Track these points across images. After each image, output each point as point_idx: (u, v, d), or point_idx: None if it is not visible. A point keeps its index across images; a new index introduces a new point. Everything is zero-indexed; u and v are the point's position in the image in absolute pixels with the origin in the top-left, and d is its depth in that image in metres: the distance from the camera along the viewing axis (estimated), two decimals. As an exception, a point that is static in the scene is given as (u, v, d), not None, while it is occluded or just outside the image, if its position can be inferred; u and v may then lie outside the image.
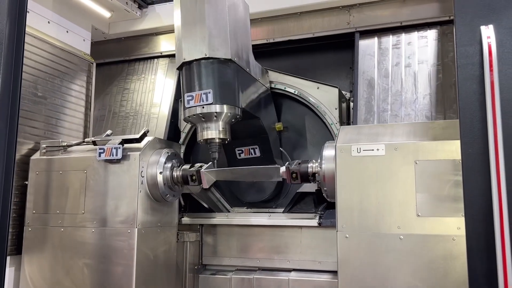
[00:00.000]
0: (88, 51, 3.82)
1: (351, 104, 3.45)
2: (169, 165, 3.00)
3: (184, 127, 3.67)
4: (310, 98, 3.42)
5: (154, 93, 3.99)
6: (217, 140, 2.86)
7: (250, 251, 3.42)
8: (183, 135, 3.74)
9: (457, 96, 1.98)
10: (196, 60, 2.78)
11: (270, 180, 3.12)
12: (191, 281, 3.41)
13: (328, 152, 2.64)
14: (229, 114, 2.81)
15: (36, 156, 3.15)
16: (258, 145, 3.33)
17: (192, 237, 3.43)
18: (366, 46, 3.50)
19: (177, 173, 3.02)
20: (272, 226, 3.31)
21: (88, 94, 3.77)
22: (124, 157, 2.89)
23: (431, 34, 3.40)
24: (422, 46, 3.39)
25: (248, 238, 3.42)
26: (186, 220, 3.51)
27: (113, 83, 4.21)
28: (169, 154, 3.03)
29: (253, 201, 3.46)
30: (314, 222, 3.15)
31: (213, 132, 2.85)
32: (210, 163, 2.95)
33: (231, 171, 3.06)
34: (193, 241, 3.45)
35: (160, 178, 2.94)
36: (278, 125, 3.48)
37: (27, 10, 2.81)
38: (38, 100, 3.29)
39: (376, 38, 3.53)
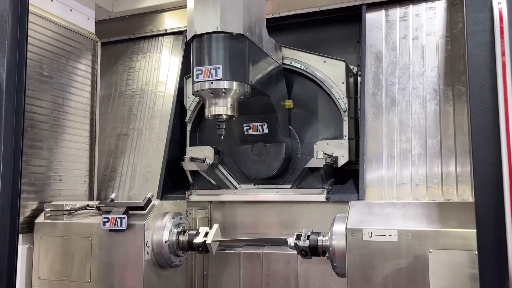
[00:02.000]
0: (92, 29, 3.86)
1: (359, 78, 3.43)
2: (174, 230, 3.00)
3: (190, 104, 3.71)
4: (317, 73, 3.40)
5: (160, 71, 4.03)
6: (224, 117, 2.85)
7: (259, 227, 3.46)
8: (189, 113, 3.77)
9: (466, 64, 1.93)
10: (207, 33, 2.77)
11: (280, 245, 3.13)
12: (201, 257, 3.45)
13: (338, 227, 2.55)
14: (238, 91, 2.80)
15: (41, 219, 3.15)
16: (267, 122, 3.33)
17: (201, 213, 3.45)
18: (373, 19, 3.49)
19: (183, 238, 3.00)
20: (280, 202, 3.35)
21: (93, 73, 3.85)
22: (129, 226, 2.88)
23: (439, 5, 3.36)
24: (430, 18, 3.37)
25: (256, 214, 3.46)
26: (194, 197, 3.58)
27: (119, 62, 4.27)
28: (174, 218, 3.04)
29: (260, 177, 3.45)
30: (322, 197, 3.19)
31: (221, 108, 2.85)
32: (216, 226, 2.96)
33: (236, 241, 3.17)
34: (202, 217, 3.48)
35: (165, 247, 2.95)
36: (288, 103, 3.46)
37: None
38: (44, 79, 3.35)
39: (383, 11, 3.51)
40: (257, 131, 3.41)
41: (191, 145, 3.77)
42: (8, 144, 2.37)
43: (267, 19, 3.54)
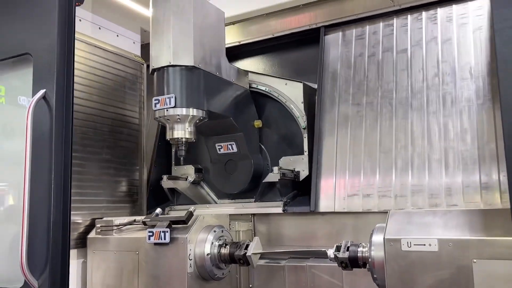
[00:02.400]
0: (138, 52, 4.20)
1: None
2: (216, 243, 3.11)
3: None
4: (280, 94, 3.86)
5: None
6: (183, 140, 3.22)
7: (305, 239, 3.64)
8: None
9: (495, 62, 1.99)
10: (162, 67, 3.17)
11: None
12: (246, 269, 3.64)
13: (377, 238, 2.54)
14: (191, 116, 3.17)
15: (92, 234, 3.42)
16: (235, 141, 3.71)
17: (244, 226, 3.70)
18: (331, 40, 3.88)
19: (224, 251, 3.12)
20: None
21: (140, 94, 4.19)
22: (172, 239, 3.05)
23: (398, 22, 3.68)
24: (387, 35, 3.66)
25: (301, 226, 3.71)
26: (173, 213, 3.96)
27: None
28: (216, 231, 3.15)
29: (232, 192, 3.83)
30: (279, 210, 3.60)
31: (179, 132, 3.23)
32: (256, 238, 3.13)
33: (276, 253, 3.29)
34: (245, 230, 3.71)
35: (208, 261, 3.09)
36: (257, 122, 3.84)
37: (80, 19, 3.37)
38: (93, 102, 3.72)
39: (340, 32, 3.85)
40: (227, 149, 3.81)
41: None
42: (59, 165, 2.55)
43: (234, 47, 4.15)
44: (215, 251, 3.08)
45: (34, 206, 2.45)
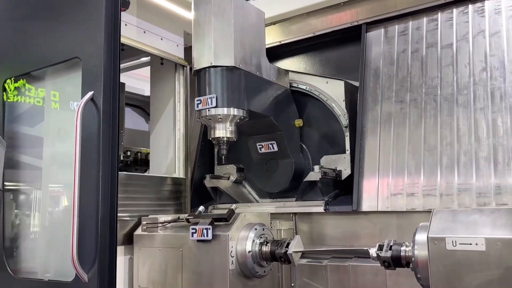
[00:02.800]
0: (181, 55, 4.33)
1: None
2: (257, 241, 3.14)
3: None
4: (320, 93, 3.86)
5: None
6: (224, 139, 3.29)
7: (347, 239, 3.62)
8: None
9: None
10: (203, 68, 3.25)
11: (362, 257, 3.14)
12: (287, 268, 3.64)
13: (420, 236, 2.47)
14: (232, 116, 3.24)
15: (139, 232, 3.56)
16: (275, 141, 3.74)
17: (286, 225, 3.68)
18: (373, 37, 3.82)
19: (265, 249, 3.14)
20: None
21: (185, 96, 4.35)
22: (214, 237, 3.10)
23: (443, 16, 3.56)
24: (432, 29, 3.56)
25: (344, 225, 3.68)
26: (216, 211, 3.96)
27: None
28: (257, 229, 3.18)
29: (273, 191, 3.87)
30: (321, 209, 3.58)
31: (221, 131, 3.29)
32: (297, 236, 3.13)
33: (317, 252, 3.30)
34: (286, 229, 3.71)
35: (249, 258, 3.11)
36: (298, 122, 3.85)
37: (125, 23, 3.56)
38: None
39: (382, 29, 3.79)
40: (268, 149, 3.85)
41: (218, 164, 4.32)
42: (106, 165, 2.68)
43: (275, 47, 4.22)
44: (256, 248, 3.09)
45: (83, 204, 2.58)
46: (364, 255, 2.69)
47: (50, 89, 3.28)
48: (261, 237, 3.12)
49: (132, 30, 3.79)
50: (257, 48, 3.48)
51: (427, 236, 2.32)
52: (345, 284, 3.26)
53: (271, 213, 3.51)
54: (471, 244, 2.24)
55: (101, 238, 2.61)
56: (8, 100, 3.29)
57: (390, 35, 3.67)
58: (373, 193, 3.30)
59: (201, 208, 3.22)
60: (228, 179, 4.06)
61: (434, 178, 3.01)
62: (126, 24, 3.66)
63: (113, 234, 2.58)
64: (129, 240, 3.52)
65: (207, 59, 3.23)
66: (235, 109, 3.25)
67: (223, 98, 3.20)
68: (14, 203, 3.33)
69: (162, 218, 3.44)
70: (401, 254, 2.56)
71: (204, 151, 4.31)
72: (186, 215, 3.28)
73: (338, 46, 4.15)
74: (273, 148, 3.81)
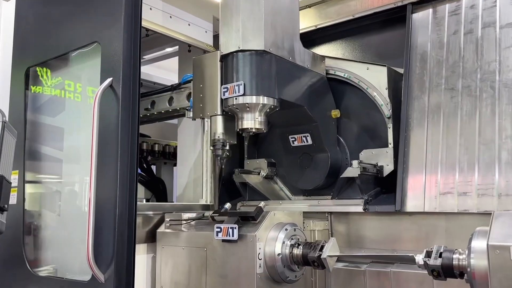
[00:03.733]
0: (210, 42, 4.11)
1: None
2: (288, 242, 2.89)
3: None
4: (360, 80, 3.51)
5: None
6: (253, 130, 3.09)
7: (388, 242, 3.32)
8: None
9: None
10: (231, 53, 3.04)
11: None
12: (322, 273, 3.39)
13: (478, 243, 2.19)
14: (261, 105, 3.01)
15: (162, 229, 3.38)
16: (310, 133, 3.49)
17: (320, 225, 3.46)
18: (420, 18, 3.49)
19: (297, 252, 2.88)
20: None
21: None
22: (240, 237, 2.88)
23: None
24: (489, 7, 3.17)
25: (385, 227, 3.38)
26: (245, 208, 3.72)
27: None
28: (288, 230, 2.93)
29: (307, 188, 3.63)
30: (360, 208, 3.31)
31: (249, 122, 3.08)
32: (333, 239, 2.89)
33: (355, 256, 3.06)
34: (321, 229, 3.46)
35: (279, 261, 2.87)
36: (335, 112, 3.56)
37: (150, 7, 3.42)
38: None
39: (430, 9, 3.47)
40: (302, 142, 3.59)
41: (248, 158, 4.08)
42: (125, 156, 2.56)
43: (310, 31, 3.89)
44: (287, 251, 2.84)
45: (100, 199, 2.47)
46: (409, 261, 2.34)
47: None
48: (292, 239, 2.88)
49: (157, 15, 3.61)
50: (290, 31, 3.25)
51: (487, 244, 2.03)
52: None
53: (304, 212, 3.28)
54: None
55: (119, 237, 2.50)
56: (45, 93, 3.27)
57: (439, 16, 3.35)
58: (419, 191, 3.04)
59: (228, 205, 3.01)
60: (259, 174, 3.86)
61: (491, 176, 2.68)
62: (151, 8, 3.48)
63: (131, 232, 2.41)
64: (152, 237, 3.38)
65: (234, 43, 3.03)
66: (265, 97, 3.04)
67: (251, 85, 2.99)
68: (35, 197, 3.19)
69: (186, 214, 3.29)
70: (454, 262, 2.27)
71: (233, 144, 3.97)
72: (211, 212, 3.02)
73: (380, 30, 3.86)
74: (307, 141, 3.57)
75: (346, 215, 3.34)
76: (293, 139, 3.61)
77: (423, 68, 3.31)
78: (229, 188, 3.94)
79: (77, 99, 3.20)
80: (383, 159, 3.36)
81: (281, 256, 2.84)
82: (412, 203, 3.02)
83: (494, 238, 2.01)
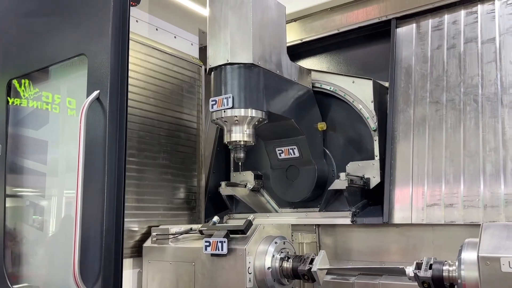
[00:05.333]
0: (196, 55, 4.13)
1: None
2: (278, 256, 2.91)
3: None
4: (346, 94, 3.57)
5: None
6: (241, 143, 3.08)
7: (377, 254, 3.35)
8: None
9: None
10: (219, 65, 3.05)
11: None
12: (310, 286, 3.28)
13: (468, 255, 2.22)
14: (250, 118, 3.01)
15: (148, 243, 3.35)
16: (297, 146, 3.51)
17: (308, 238, 3.48)
18: (404, 33, 3.54)
19: (286, 265, 2.91)
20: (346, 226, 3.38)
21: (199, 97, 4.13)
22: (230, 250, 2.88)
23: (483, 8, 3.27)
24: (471, 23, 3.27)
25: (372, 239, 3.40)
26: (233, 222, 3.77)
27: None
28: (277, 243, 2.96)
29: (294, 200, 3.63)
30: (348, 221, 3.32)
31: (237, 135, 3.08)
32: (322, 252, 2.92)
33: (346, 269, 3.06)
34: (309, 242, 3.49)
35: (269, 275, 2.89)
36: (321, 125, 3.59)
37: (136, 20, 3.39)
38: (150, 105, 3.68)
39: (414, 24, 3.54)
40: (289, 154, 3.59)
41: (234, 170, 4.08)
42: (112, 170, 2.43)
43: (296, 45, 3.93)
44: (277, 264, 2.84)
45: (86, 213, 2.42)
46: (399, 273, 2.36)
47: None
48: (281, 252, 2.86)
49: (143, 27, 3.60)
50: (277, 45, 3.28)
51: (478, 255, 2.01)
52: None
53: (292, 225, 3.33)
54: None
55: (106, 252, 2.43)
56: (21, 105, 3.20)
57: (423, 31, 3.44)
58: (406, 203, 3.08)
59: (216, 218, 2.98)
60: (245, 186, 3.85)
61: (476, 188, 2.71)
62: (137, 21, 3.46)
63: (119, 247, 2.36)
64: (138, 252, 3.25)
65: (223, 56, 3.04)
66: (253, 110, 3.04)
67: (240, 98, 3.01)
68: (17, 211, 3.09)
69: (174, 228, 3.25)
70: (444, 274, 2.28)
71: (219, 157, 4.14)
72: (199, 226, 2.99)
73: (365, 44, 3.92)
74: (294, 154, 3.59)
75: (333, 227, 3.37)
76: (280, 151, 3.63)
77: (408, 82, 3.39)
78: (215, 201, 3.95)
79: (55, 110, 3.13)
80: (370, 171, 3.41)
81: (271, 269, 2.85)
82: (399, 215, 3.06)
83: (484, 249, 2.04)
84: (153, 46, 3.66)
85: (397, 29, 3.55)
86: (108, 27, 2.54)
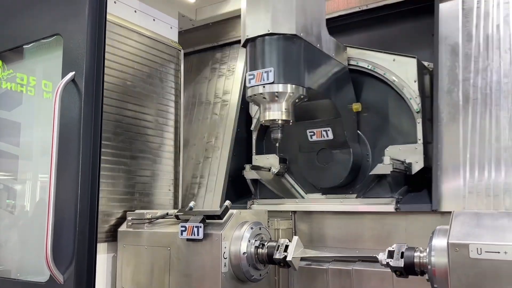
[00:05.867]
0: (175, 38, 4.44)
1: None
2: (253, 241, 3.23)
3: (255, 113, 4.10)
4: (386, 72, 3.55)
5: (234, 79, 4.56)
6: (280, 122, 3.10)
7: (349, 241, 3.29)
8: (254, 121, 4.08)
9: None
10: (259, 36, 3.04)
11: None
12: (285, 271, 3.47)
13: (439, 242, 2.45)
14: (291, 94, 3.01)
15: (123, 228, 3.69)
16: (331, 127, 3.54)
17: (284, 224, 3.58)
18: (448, 9, 3.42)
19: (262, 251, 3.19)
20: (375, 213, 3.31)
21: (177, 82, 4.33)
22: (206, 236, 3.15)
23: None
24: None
25: (346, 226, 3.35)
26: (255, 207, 3.80)
27: (202, 70, 4.74)
28: (253, 229, 3.27)
29: (326, 186, 3.73)
30: (391, 208, 3.17)
31: (276, 113, 3.00)
32: (296, 238, 3.03)
33: (320, 256, 3.23)
34: (285, 228, 3.55)
35: (244, 259, 3.14)
36: (356, 106, 3.63)
37: (114, 1, 3.40)
38: (128, 89, 3.82)
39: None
40: (321, 137, 3.54)
41: (257, 153, 4.14)
42: (87, 153, 2.48)
43: (331, 19, 3.75)
44: (252, 250, 3.33)
45: (60, 196, 2.59)
46: (372, 259, 2.49)
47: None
48: (257, 237, 3.35)
49: (121, 8, 3.87)
50: (317, 16, 3.36)
51: (447, 242, 2.49)
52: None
53: (269, 211, 3.64)
54: (499, 252, 2.22)
55: (80, 236, 2.53)
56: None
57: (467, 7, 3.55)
58: (456, 190, 3.06)
59: (192, 203, 3.22)
60: (269, 170, 3.89)
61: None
62: (115, 2, 3.43)
63: (93, 231, 2.53)
64: (112, 236, 3.58)
65: (263, 25, 3.03)
66: (295, 86, 3.03)
67: (280, 72, 2.96)
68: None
69: (149, 214, 3.71)
70: (415, 261, 2.68)
71: (239, 139, 4.18)
72: (176, 211, 3.03)
73: (402, 21, 3.90)
74: (327, 136, 3.56)
75: (374, 214, 3.33)
76: (312, 133, 3.64)
77: (454, 61, 3.39)
78: (237, 185, 4.09)
79: (30, 93, 3.04)
80: (412, 156, 3.48)
81: (246, 255, 3.28)
82: (447, 203, 3.07)
83: (454, 236, 2.57)
84: (131, 28, 4.09)
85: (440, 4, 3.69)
86: (84, 7, 2.68)
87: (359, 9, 3.72)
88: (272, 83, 2.87)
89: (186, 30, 4.66)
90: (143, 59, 4.03)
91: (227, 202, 3.22)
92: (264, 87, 2.90)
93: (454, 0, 3.44)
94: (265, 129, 3.98)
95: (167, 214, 3.49)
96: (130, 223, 3.58)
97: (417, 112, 3.41)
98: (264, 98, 3.00)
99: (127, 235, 3.57)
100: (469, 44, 3.31)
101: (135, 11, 4.05)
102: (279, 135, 3.07)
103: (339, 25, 3.94)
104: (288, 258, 2.96)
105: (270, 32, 2.93)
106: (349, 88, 3.65)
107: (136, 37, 4.02)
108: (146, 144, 4.04)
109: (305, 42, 3.10)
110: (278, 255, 3.00)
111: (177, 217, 3.35)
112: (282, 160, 3.93)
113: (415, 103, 3.42)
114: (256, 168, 3.86)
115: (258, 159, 4.03)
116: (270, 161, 3.87)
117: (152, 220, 3.48)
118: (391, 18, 3.83)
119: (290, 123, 3.14)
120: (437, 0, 3.50)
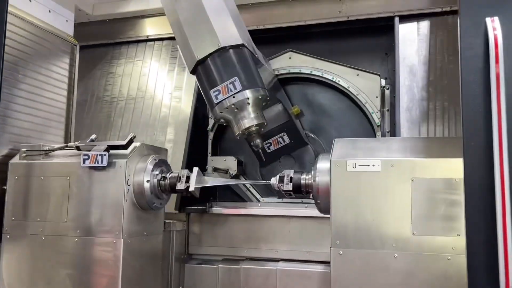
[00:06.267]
0: (71, 32, 4.73)
1: (386, 92, 4.01)
2: (156, 172, 3.79)
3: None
4: (350, 86, 3.80)
5: (150, 78, 4.51)
6: (253, 129, 3.26)
7: (237, 241, 3.83)
8: (211, 122, 4.40)
9: (460, 89, 2.19)
10: (210, 54, 3.29)
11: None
12: (177, 270, 3.99)
13: (322, 164, 3.27)
14: (259, 97, 3.35)
15: (16, 160, 3.90)
16: (285, 131, 3.82)
17: (179, 226, 4.12)
18: (406, 31, 3.91)
19: (165, 182, 3.69)
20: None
21: (71, 77, 4.53)
22: (110, 164, 3.49)
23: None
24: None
25: (236, 227, 3.78)
26: (215, 210, 3.90)
27: (97, 66, 5.19)
28: (157, 161, 3.88)
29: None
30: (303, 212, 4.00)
31: (251, 120, 3.12)
32: (196, 169, 3.29)
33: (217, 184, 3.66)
34: (179, 230, 4.08)
35: (147, 187, 3.58)
36: (295, 109, 3.94)
37: None
38: (18, 81, 3.93)
39: (415, 23, 4.01)
40: (278, 144, 3.77)
41: (212, 154, 4.48)
42: None
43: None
44: (155, 179, 3.71)
45: None
46: (266, 185, 3.09)
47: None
48: (161, 168, 3.65)
49: None
50: (245, 28, 3.75)
51: (330, 160, 3.35)
52: (236, 286, 3.90)
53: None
54: (369, 165, 2.95)
55: None
56: None
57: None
58: None
59: (93, 136, 3.28)
60: (226, 172, 4.07)
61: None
62: (10, -11, 3.47)
63: None
64: (1, 169, 3.81)
65: (210, 43, 3.27)
66: (261, 89, 3.33)
67: (243, 79, 3.08)
68: None
69: (46, 146, 3.87)
70: (302, 182, 3.36)
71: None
72: (76, 143, 3.05)
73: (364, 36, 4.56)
74: (284, 141, 3.89)
75: None
76: (269, 144, 3.94)
77: (412, 80, 3.83)
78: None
79: None
80: None
81: (149, 182, 3.64)
82: None
83: (335, 155, 3.23)
84: (25, 18, 4.20)
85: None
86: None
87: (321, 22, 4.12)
88: (241, 90, 3.03)
89: (80, 23, 4.47)
90: (36, 51, 3.67)
91: (132, 134, 3.26)
92: (234, 97, 3.07)
93: (412, 23, 3.68)
94: (223, 130, 3.98)
95: (66, 146, 3.54)
96: (24, 155, 3.46)
97: (378, 126, 3.67)
98: (236, 108, 3.24)
99: (20, 167, 3.43)
100: (425, 67, 3.64)
101: (30, 0, 3.97)
102: (258, 141, 3.21)
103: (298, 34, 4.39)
104: (191, 189, 3.26)
105: (221, 46, 3.19)
106: (283, 94, 3.98)
107: (30, 27, 3.93)
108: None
109: (248, 50, 3.39)
110: (180, 186, 3.28)
111: (78, 148, 3.54)
112: (239, 163, 3.95)
113: (376, 117, 3.73)
114: (215, 170, 3.80)
115: (214, 161, 3.96)
116: (228, 164, 3.81)
117: (49, 152, 3.37)
118: (347, 33, 3.92)
119: (265, 125, 3.30)
120: (396, 22, 3.61)
